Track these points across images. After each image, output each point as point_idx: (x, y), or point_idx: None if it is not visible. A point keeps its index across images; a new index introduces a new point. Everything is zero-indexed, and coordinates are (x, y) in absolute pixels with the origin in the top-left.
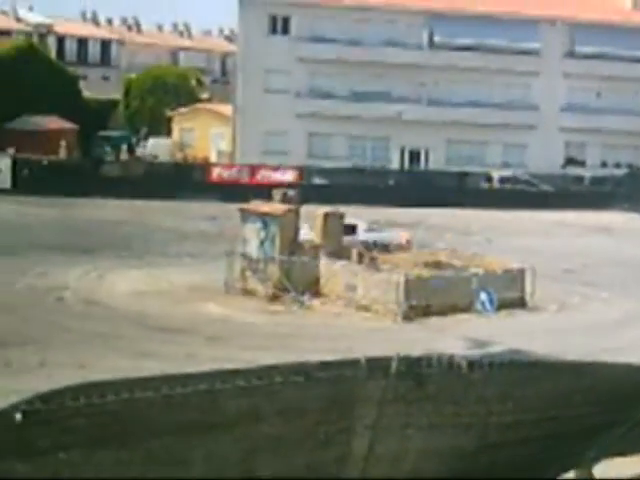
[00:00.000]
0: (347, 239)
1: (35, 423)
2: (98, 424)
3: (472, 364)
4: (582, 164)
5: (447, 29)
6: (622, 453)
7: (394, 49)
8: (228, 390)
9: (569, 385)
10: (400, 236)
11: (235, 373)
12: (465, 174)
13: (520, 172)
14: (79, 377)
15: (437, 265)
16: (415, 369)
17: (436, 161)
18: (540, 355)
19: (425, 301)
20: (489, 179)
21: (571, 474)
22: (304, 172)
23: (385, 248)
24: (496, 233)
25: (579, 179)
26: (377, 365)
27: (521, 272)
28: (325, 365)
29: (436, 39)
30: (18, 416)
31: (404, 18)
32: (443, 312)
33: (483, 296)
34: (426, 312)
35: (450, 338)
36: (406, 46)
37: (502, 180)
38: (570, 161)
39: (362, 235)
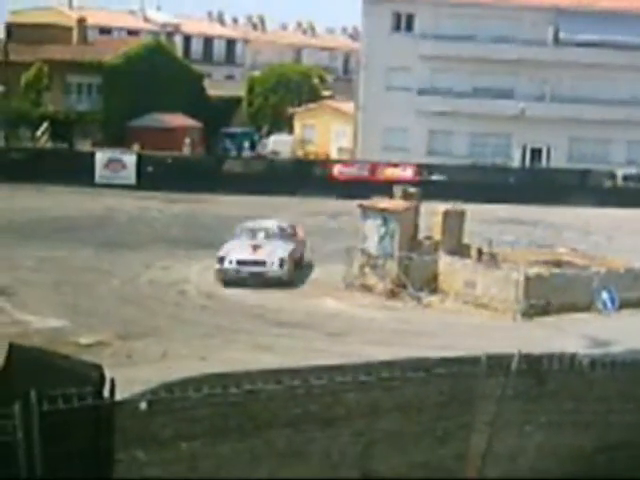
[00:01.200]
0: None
1: (159, 412)
2: (220, 415)
3: (594, 363)
4: None
5: (572, 25)
6: None
7: (517, 46)
8: (348, 384)
9: None
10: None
11: (355, 368)
12: (588, 172)
13: None
14: (199, 369)
15: (557, 263)
16: (536, 367)
17: (558, 159)
18: None
19: (545, 299)
20: (612, 177)
21: None
22: (424, 169)
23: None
24: (618, 232)
25: None
26: (497, 362)
27: None
28: (445, 361)
29: (561, 35)
30: (143, 405)
31: (529, 14)
32: (563, 311)
33: (604, 295)
34: (546, 310)
35: (570, 337)
36: (530, 42)
37: (626, 178)
38: None
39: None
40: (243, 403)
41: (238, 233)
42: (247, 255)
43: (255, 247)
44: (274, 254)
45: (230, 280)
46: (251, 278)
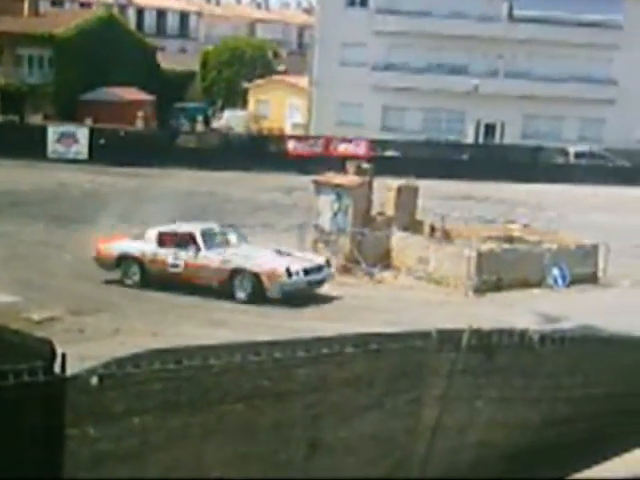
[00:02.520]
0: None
1: (110, 387)
2: (172, 389)
3: (544, 338)
4: None
5: (527, 2)
6: None
7: (472, 22)
8: (299, 359)
9: None
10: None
11: (306, 342)
12: (541, 148)
13: (597, 147)
14: (152, 344)
15: (509, 239)
16: (486, 342)
17: (512, 135)
18: (611, 331)
19: (496, 275)
20: (565, 154)
21: None
22: (378, 145)
23: None
24: (570, 208)
25: None
26: (448, 337)
27: (594, 248)
28: (396, 336)
29: (515, 12)
30: (94, 380)
31: None
32: (514, 287)
33: (555, 271)
34: (497, 286)
35: (521, 313)
36: (484, 18)
37: (578, 155)
38: None
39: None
40: (195, 378)
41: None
42: (307, 263)
43: (281, 252)
44: (313, 256)
45: (294, 294)
46: (310, 287)
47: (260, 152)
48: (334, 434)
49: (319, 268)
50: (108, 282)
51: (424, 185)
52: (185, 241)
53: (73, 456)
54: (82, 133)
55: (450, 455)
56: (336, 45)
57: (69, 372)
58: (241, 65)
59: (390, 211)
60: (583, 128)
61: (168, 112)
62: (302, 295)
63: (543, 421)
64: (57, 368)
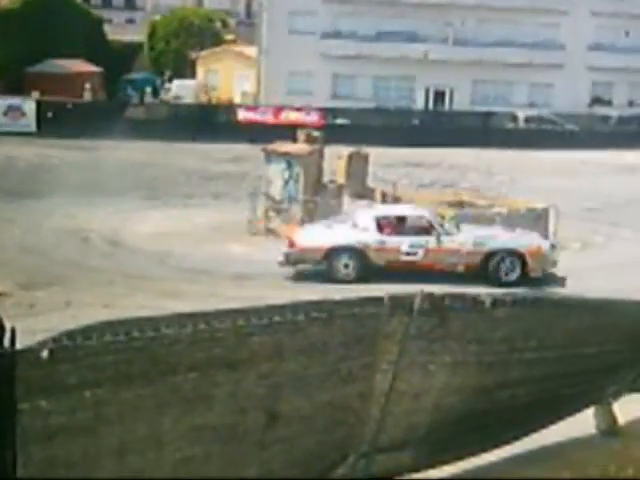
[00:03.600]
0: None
1: (62, 360)
2: (124, 361)
3: (496, 301)
4: (609, 103)
5: None
6: None
7: None
8: (252, 327)
9: (592, 322)
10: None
11: (259, 310)
12: (490, 114)
13: (546, 112)
14: (104, 316)
15: (460, 204)
16: (439, 306)
17: (461, 101)
18: (563, 293)
19: None
20: (514, 119)
21: (592, 410)
22: (328, 113)
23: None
24: (521, 173)
25: (605, 119)
26: (400, 302)
27: (545, 211)
28: (348, 302)
29: None
30: (45, 353)
31: None
32: None
33: None
34: None
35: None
36: None
37: (527, 120)
38: (597, 100)
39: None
40: (147, 348)
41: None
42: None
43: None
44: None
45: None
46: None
47: (210, 122)
48: (290, 403)
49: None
50: (58, 254)
51: (375, 152)
52: (420, 226)
53: (25, 430)
54: (29, 106)
55: (405, 419)
56: (284, 13)
57: (19, 346)
58: (189, 35)
59: (341, 179)
60: (532, 93)
61: (116, 84)
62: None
63: (497, 384)
64: (6, 342)
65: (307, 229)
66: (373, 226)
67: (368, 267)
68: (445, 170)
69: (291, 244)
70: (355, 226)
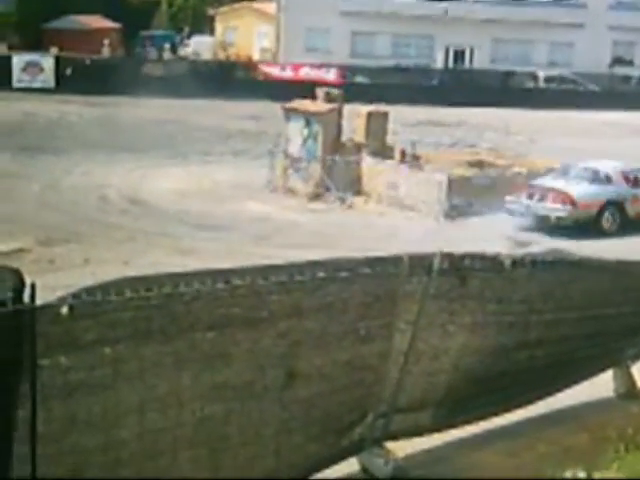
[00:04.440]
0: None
1: (81, 316)
2: (143, 318)
3: (515, 262)
4: (630, 63)
5: None
6: None
7: None
8: (271, 285)
9: (611, 284)
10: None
11: (278, 268)
12: (510, 73)
13: (566, 71)
14: (122, 273)
15: (480, 164)
16: (458, 266)
17: (481, 60)
18: (581, 255)
19: (467, 200)
20: (535, 78)
21: (610, 372)
22: (347, 71)
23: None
24: (540, 133)
25: (627, 79)
26: (419, 262)
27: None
28: (368, 261)
29: None
30: (65, 309)
31: None
32: (486, 212)
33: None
34: (468, 212)
35: (492, 238)
36: None
37: (548, 79)
38: (618, 60)
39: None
40: (165, 305)
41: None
42: None
43: None
44: None
45: None
46: None
47: (228, 79)
48: (309, 362)
49: None
50: (76, 211)
51: (394, 111)
52: None
53: (45, 386)
54: (47, 62)
55: (423, 379)
56: None
57: (39, 302)
58: None
59: (360, 137)
60: (552, 52)
61: (134, 40)
62: None
63: (515, 345)
64: (26, 298)
65: (577, 187)
66: (623, 181)
67: (625, 219)
68: (465, 130)
69: (572, 202)
70: (607, 181)
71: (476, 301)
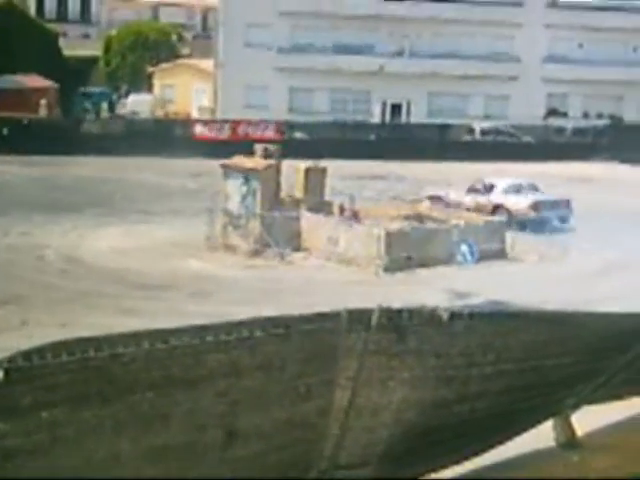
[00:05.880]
0: (478, 199)
1: (17, 381)
2: (80, 381)
3: (453, 315)
4: (564, 115)
5: None
6: (600, 401)
7: (376, 2)
8: (209, 344)
9: (550, 335)
10: (522, 201)
11: (215, 327)
12: (447, 126)
13: (502, 124)
14: (61, 335)
15: (418, 217)
16: (396, 321)
17: (418, 114)
18: (520, 306)
19: (406, 254)
20: (471, 131)
21: (550, 422)
22: (285, 127)
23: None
24: None
25: (561, 130)
26: (358, 317)
27: (502, 223)
28: (305, 318)
29: None
30: (0, 374)
31: None
32: (424, 265)
33: (464, 248)
34: (407, 265)
35: (432, 290)
36: None
37: (484, 132)
38: (552, 112)
39: (497, 197)
40: (103, 367)
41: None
42: None
43: None
44: None
45: None
46: None
47: (167, 137)
48: (249, 421)
49: None
50: (14, 272)
51: (333, 166)
52: None
53: None
54: None
55: (364, 435)
56: (241, 26)
57: None
58: (145, 49)
59: (299, 193)
60: (488, 105)
61: (72, 99)
62: None
63: (456, 398)
64: None
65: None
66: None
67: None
68: (403, 183)
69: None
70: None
71: (415, 356)
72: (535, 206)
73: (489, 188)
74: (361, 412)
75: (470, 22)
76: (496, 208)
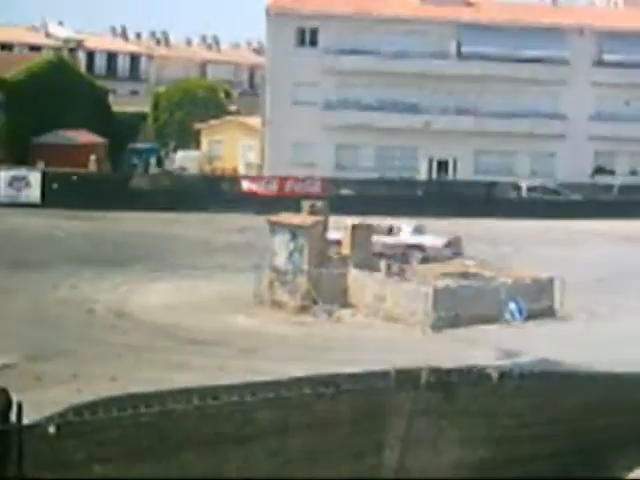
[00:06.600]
0: (385, 240)
1: (68, 435)
2: (132, 436)
3: (503, 375)
4: (611, 173)
5: (475, 39)
6: None
7: (422, 59)
8: (259, 402)
9: (601, 396)
10: (439, 240)
11: (266, 385)
12: (493, 184)
13: (548, 181)
14: (110, 390)
15: (465, 275)
16: (445, 381)
17: (464, 171)
18: (570, 365)
19: (454, 312)
20: (517, 189)
21: None
22: (332, 183)
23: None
24: (524, 243)
25: (608, 188)
26: (407, 376)
27: (550, 281)
28: (355, 377)
29: (464, 49)
30: (52, 429)
31: (431, 29)
32: (472, 323)
33: (512, 306)
34: (455, 323)
35: (479, 349)
36: (434, 56)
37: (530, 189)
38: (599, 170)
39: (403, 237)
40: (154, 424)
41: None
42: None
43: None
44: None
45: None
46: None
47: (214, 193)
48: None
49: None
50: (64, 326)
51: (379, 223)
52: None
53: None
54: (34, 177)
55: None
56: (287, 84)
57: (26, 421)
58: (193, 106)
59: (346, 250)
60: (534, 162)
61: (121, 154)
62: None
63: (506, 460)
64: (13, 417)
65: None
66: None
67: None
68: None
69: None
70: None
71: (464, 416)
72: (449, 243)
73: (398, 230)
74: (410, 472)
75: (516, 80)
76: (410, 247)
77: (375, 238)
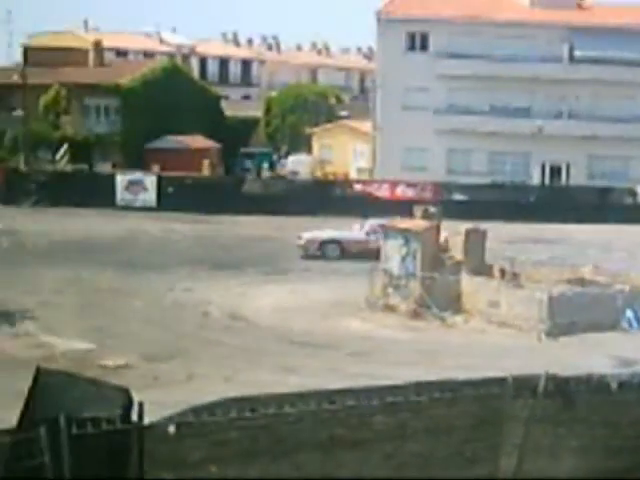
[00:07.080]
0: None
1: (188, 436)
2: (249, 438)
3: (622, 384)
4: None
5: (587, 42)
6: None
7: (533, 64)
8: (375, 406)
9: None
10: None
11: (381, 389)
12: (607, 189)
13: None
14: (224, 390)
15: (580, 282)
16: (564, 388)
17: (577, 176)
18: None
19: (569, 319)
20: (633, 194)
21: None
22: (443, 188)
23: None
24: None
25: None
26: (524, 383)
27: None
28: (472, 383)
29: (576, 53)
30: (172, 428)
31: (543, 32)
32: (588, 330)
33: (629, 313)
34: (570, 330)
35: (596, 356)
36: (545, 60)
37: None
38: None
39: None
40: (271, 426)
41: None
42: None
43: None
44: None
45: None
46: None
47: (325, 197)
48: None
49: None
50: (179, 327)
51: (491, 228)
52: None
53: None
54: (150, 181)
55: None
56: (398, 89)
57: (146, 420)
58: (304, 111)
59: (459, 255)
60: None
61: (233, 159)
62: None
63: (626, 469)
64: (134, 416)
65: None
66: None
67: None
68: (563, 246)
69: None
70: None
71: (583, 424)
72: (372, 232)
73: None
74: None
75: (630, 84)
76: (326, 242)
77: (303, 234)
